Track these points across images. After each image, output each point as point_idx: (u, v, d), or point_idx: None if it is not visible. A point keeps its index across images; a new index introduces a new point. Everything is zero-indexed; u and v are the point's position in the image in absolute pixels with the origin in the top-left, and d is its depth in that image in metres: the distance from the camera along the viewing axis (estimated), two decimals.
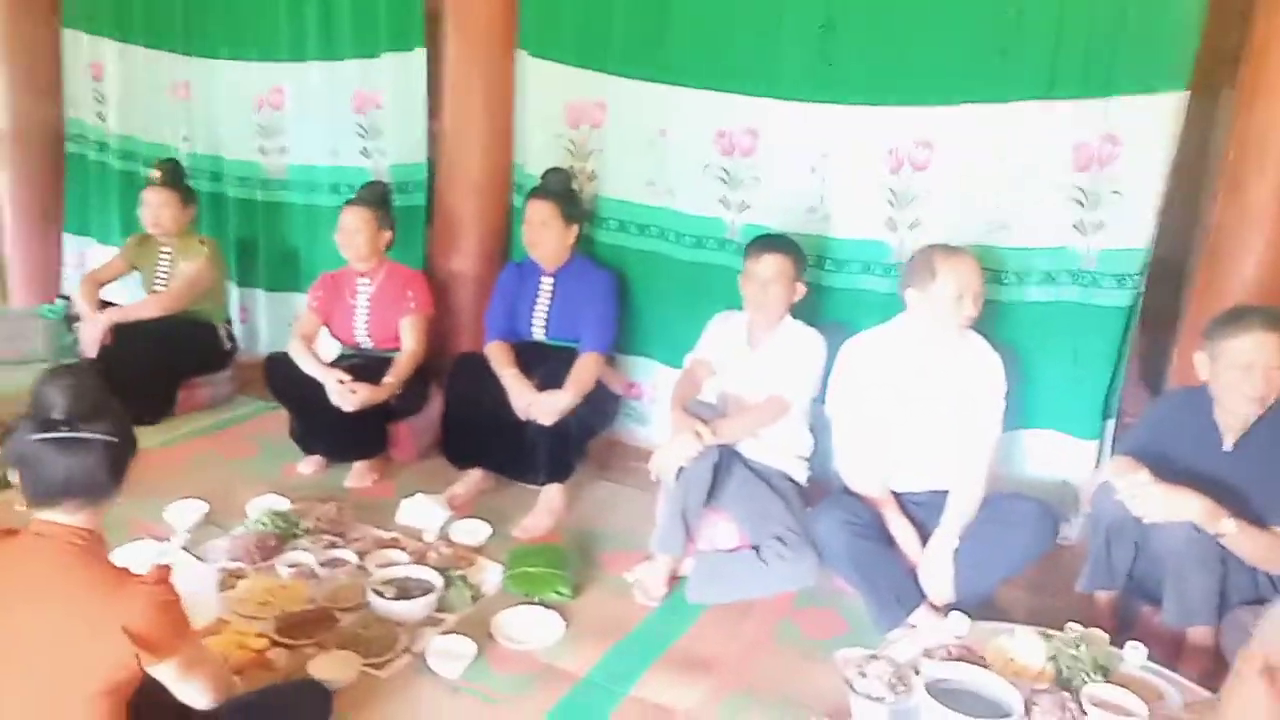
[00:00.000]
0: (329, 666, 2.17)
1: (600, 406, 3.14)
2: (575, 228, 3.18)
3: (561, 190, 3.17)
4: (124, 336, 3.65)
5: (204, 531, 2.82)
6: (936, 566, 2.46)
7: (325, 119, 3.98)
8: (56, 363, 1.71)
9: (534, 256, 3.21)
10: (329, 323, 3.40)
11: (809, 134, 3.00)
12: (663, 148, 3.25)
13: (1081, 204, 2.69)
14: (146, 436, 3.36)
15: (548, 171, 3.25)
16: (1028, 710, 1.89)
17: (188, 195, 3.89)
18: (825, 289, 3.07)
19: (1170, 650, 2.25)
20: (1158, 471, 2.17)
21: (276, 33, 4.02)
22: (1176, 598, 2.20)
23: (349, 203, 3.35)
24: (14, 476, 1.60)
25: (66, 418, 1.57)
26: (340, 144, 3.96)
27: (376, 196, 3.36)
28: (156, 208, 3.78)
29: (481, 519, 2.95)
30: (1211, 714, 1.83)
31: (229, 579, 2.53)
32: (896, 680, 1.98)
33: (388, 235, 3.35)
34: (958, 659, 2.08)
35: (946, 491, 2.56)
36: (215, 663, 1.81)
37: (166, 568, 1.65)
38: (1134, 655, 2.13)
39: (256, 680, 2.09)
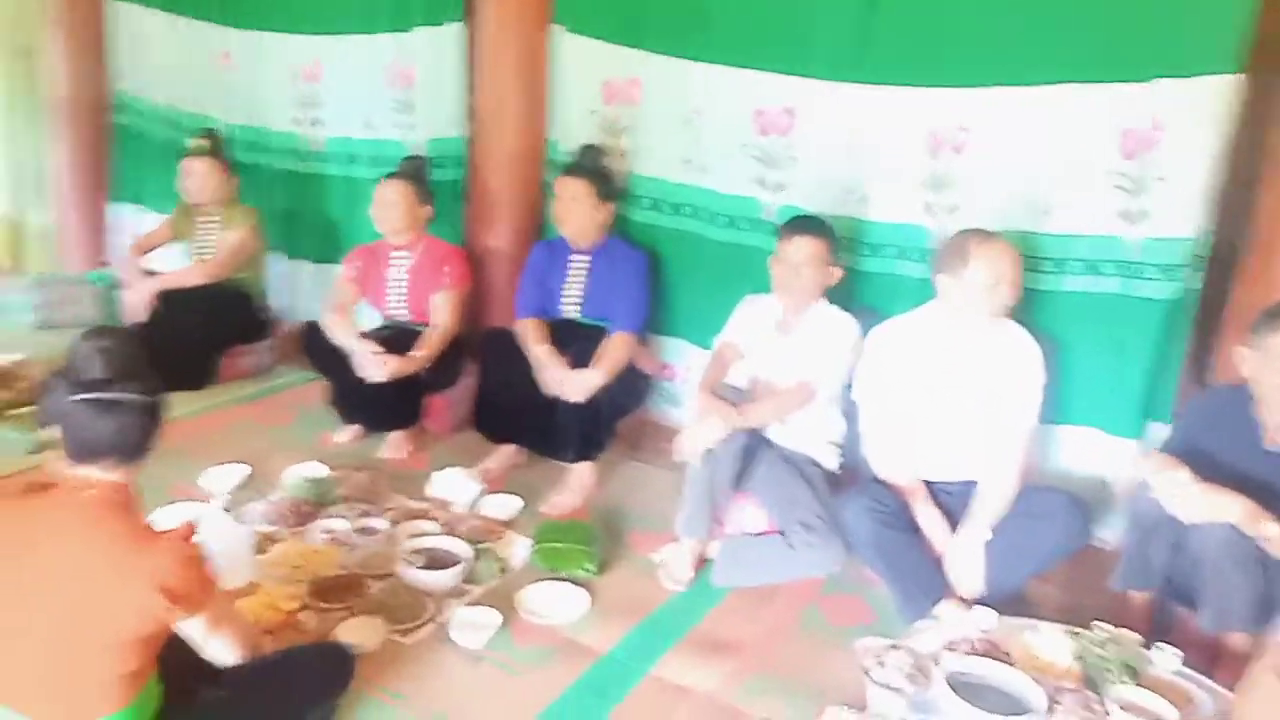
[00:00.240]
0: (356, 631, 2.22)
1: (631, 386, 3.14)
2: (608, 206, 3.17)
3: (593, 167, 3.17)
4: (168, 304, 3.73)
5: (242, 495, 2.88)
6: (964, 558, 2.44)
7: (361, 92, 3.99)
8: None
9: (562, 233, 3.22)
10: (364, 294, 3.44)
11: (847, 115, 2.95)
12: (698, 126, 3.22)
13: (1126, 190, 2.62)
14: (188, 402, 3.55)
15: (582, 148, 3.25)
16: (1050, 709, 1.88)
17: (228, 165, 3.94)
18: (861, 273, 3.03)
19: (1207, 656, 2.19)
20: (1198, 470, 2.11)
21: (316, 5, 4.04)
22: (1214, 602, 2.13)
23: (387, 176, 3.37)
24: (53, 432, 1.63)
25: (103, 379, 1.61)
26: (376, 117, 3.98)
27: (414, 171, 3.38)
28: (198, 177, 3.84)
29: (512, 494, 2.99)
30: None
31: (264, 542, 2.59)
32: (916, 671, 1.97)
33: (426, 210, 3.37)
34: (981, 653, 2.07)
35: (979, 483, 2.53)
36: (241, 620, 1.86)
37: (191, 525, 1.69)
38: (1164, 658, 2.09)
39: (286, 641, 2.15)
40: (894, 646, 2.06)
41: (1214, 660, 2.19)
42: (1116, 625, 2.20)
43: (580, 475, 3.05)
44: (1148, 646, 2.13)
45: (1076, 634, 2.13)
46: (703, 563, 2.69)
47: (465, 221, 3.74)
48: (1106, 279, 2.70)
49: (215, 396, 3.72)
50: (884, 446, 2.64)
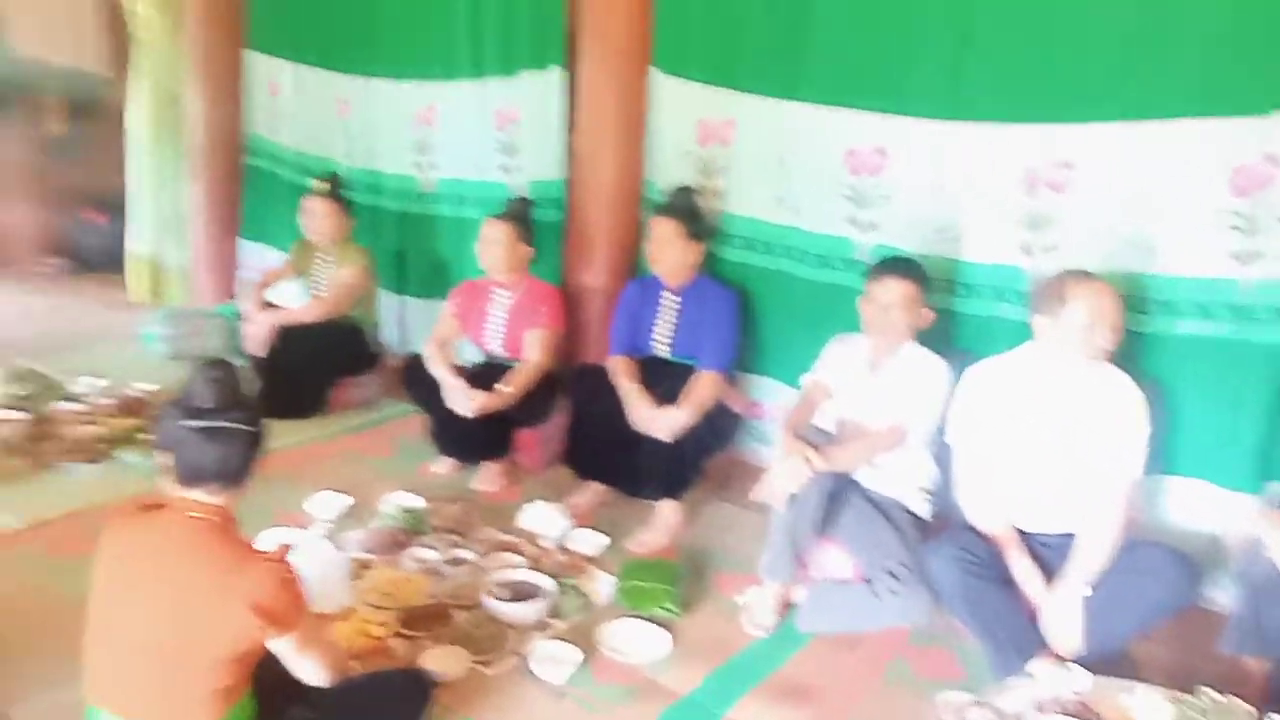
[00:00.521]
0: (441, 660, 2.29)
1: (719, 425, 3.14)
2: (699, 245, 3.20)
3: (685, 208, 3.21)
4: (284, 338, 3.93)
5: (341, 522, 3.01)
6: (1061, 614, 2.33)
7: (471, 135, 4.16)
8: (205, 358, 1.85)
9: (655, 272, 3.26)
10: (465, 329, 3.56)
11: (941, 153, 2.91)
12: (791, 166, 3.23)
13: (1239, 230, 2.49)
14: (299, 431, 3.73)
15: (675, 189, 3.30)
16: None
17: (346, 206, 4.16)
18: (956, 315, 2.96)
19: None
20: None
21: (430, 53, 4.24)
22: None
23: (491, 216, 3.50)
24: (162, 459, 1.74)
25: (211, 408, 1.71)
26: (483, 159, 4.14)
27: (518, 211, 3.50)
28: (316, 216, 4.06)
29: (599, 530, 3.02)
30: None
31: (359, 569, 2.69)
32: None
33: (527, 249, 3.48)
34: (1072, 714, 1.98)
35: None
36: (330, 643, 1.95)
37: (287, 548, 1.78)
38: None
39: (374, 666, 2.22)
40: (977, 703, 1.99)
41: None
42: (1227, 692, 2.07)
43: (666, 514, 3.07)
44: (1260, 717, 1.99)
45: (1179, 699, 2.01)
46: (787, 607, 2.66)
47: (563, 260, 3.84)
48: (1218, 323, 2.56)
49: (324, 426, 3.90)
50: (978, 493, 2.56)
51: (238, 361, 4.03)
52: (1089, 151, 2.70)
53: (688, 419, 2.96)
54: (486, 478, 3.39)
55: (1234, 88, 2.45)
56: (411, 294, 4.56)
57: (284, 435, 3.64)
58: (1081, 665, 2.25)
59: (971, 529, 2.54)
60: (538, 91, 3.84)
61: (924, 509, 2.75)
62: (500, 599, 2.53)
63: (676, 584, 2.68)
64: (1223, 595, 2.50)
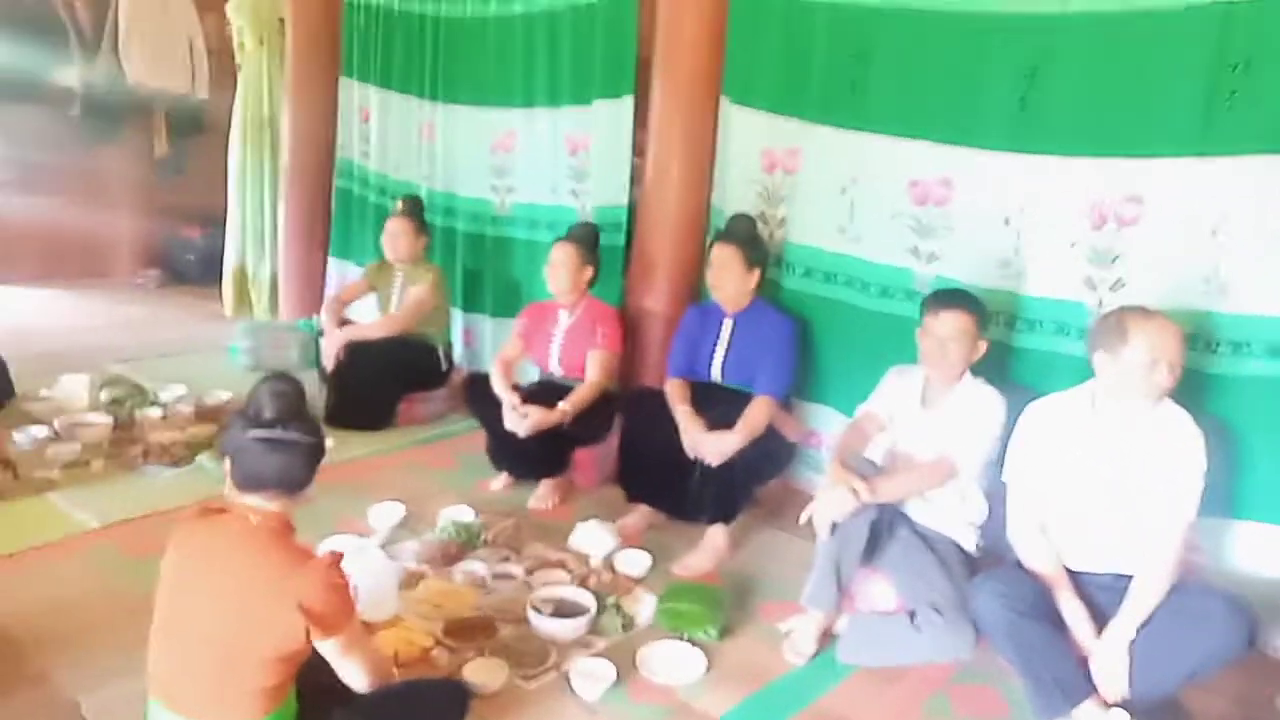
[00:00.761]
0: (482, 671, 2.33)
1: (771, 452, 3.14)
2: (757, 272, 3.22)
3: (744, 235, 3.23)
4: (356, 352, 4.08)
5: (399, 533, 3.10)
6: (1110, 658, 2.26)
7: (544, 161, 4.29)
8: (270, 371, 1.94)
9: (716, 299, 3.28)
10: (529, 349, 3.64)
11: (1005, 185, 2.89)
12: (854, 195, 3.24)
13: None
14: (367, 443, 3.87)
15: (734, 216, 3.33)
16: None
17: (422, 227, 4.30)
18: (1016, 349, 2.93)
19: None
20: None
21: (511, 82, 4.39)
22: None
23: (559, 239, 3.59)
24: (226, 465, 1.83)
25: (273, 420, 1.80)
26: (556, 184, 4.25)
27: (584, 235, 3.58)
28: (395, 236, 4.21)
29: (646, 551, 3.04)
30: None
31: (411, 579, 2.77)
32: None
33: (589, 271, 3.55)
34: None
35: (1131, 577, 2.35)
36: (375, 650, 2.01)
37: (339, 554, 1.85)
38: None
39: (417, 674, 2.28)
40: None
41: None
42: None
43: (714, 538, 3.07)
44: None
45: None
46: (829, 637, 2.64)
47: (626, 284, 3.90)
48: None
49: (391, 439, 4.02)
50: (1030, 531, 2.50)
51: (313, 374, 4.26)
52: (1159, 186, 2.65)
53: (738, 443, 2.97)
54: (541, 495, 3.45)
55: None
56: (487, 313, 4.69)
57: (352, 446, 3.81)
58: (1129, 711, 2.18)
59: (1019, 566, 2.48)
60: (609, 119, 3.94)
61: (972, 544, 2.69)
62: (543, 614, 2.58)
63: (718, 608, 2.68)
64: None
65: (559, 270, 3.51)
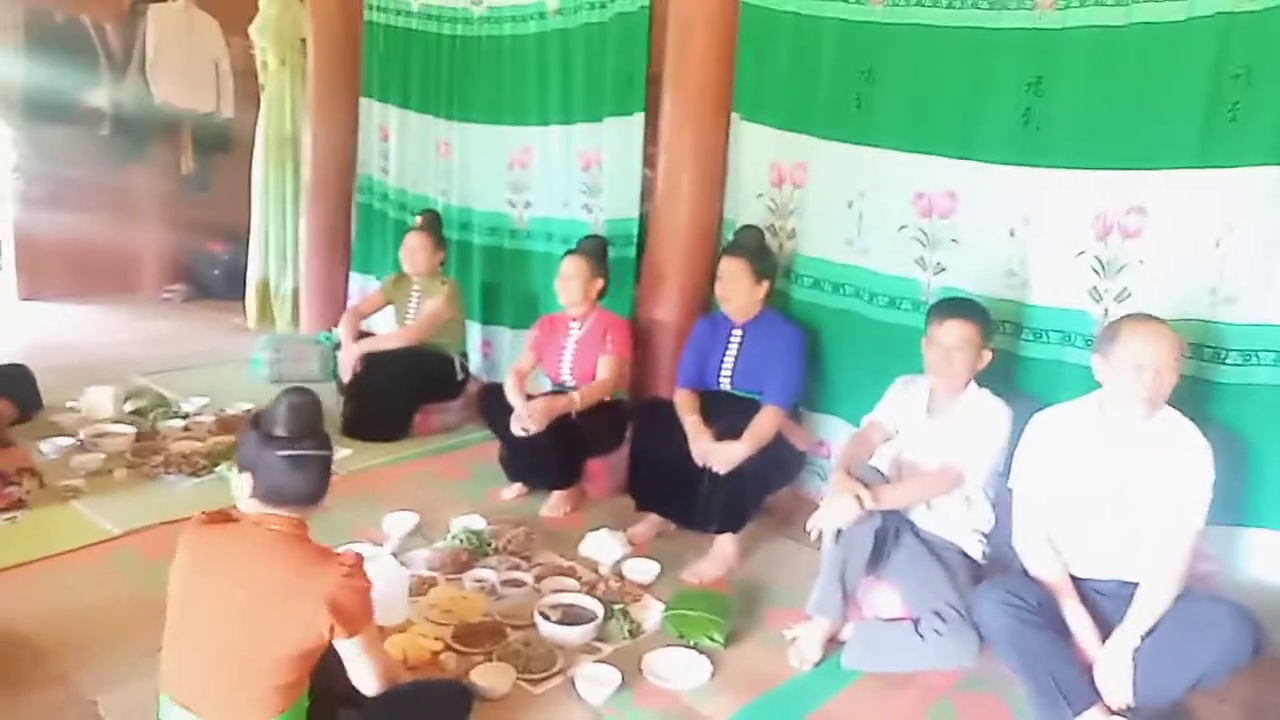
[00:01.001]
0: (490, 675, 2.37)
1: (780, 461, 3.17)
2: (765, 284, 3.25)
3: (752, 247, 3.27)
4: (373, 364, 4.14)
5: (411, 541, 3.15)
6: (1114, 666, 2.27)
7: (559, 176, 4.36)
8: (288, 386, 1.99)
9: (724, 310, 3.32)
10: (541, 361, 3.69)
11: (1010, 197, 2.91)
12: (861, 208, 3.27)
13: None
14: (383, 453, 3.93)
15: (741, 228, 3.37)
16: None
17: (439, 241, 4.37)
18: (1022, 359, 2.94)
19: None
20: None
21: (526, 101, 4.47)
22: None
23: (569, 252, 3.65)
24: (245, 479, 1.86)
25: (292, 435, 1.84)
26: (570, 199, 4.32)
27: (593, 247, 3.63)
28: (413, 250, 4.28)
29: (657, 559, 3.07)
30: None
31: (422, 585, 2.82)
32: None
33: (599, 283, 3.60)
34: None
35: (1136, 584, 2.35)
36: (387, 653, 2.05)
37: (360, 556, 1.89)
38: None
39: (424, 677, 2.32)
40: None
41: None
42: None
43: (723, 546, 3.10)
44: None
45: None
46: (835, 644, 2.65)
47: (637, 295, 3.95)
48: None
49: (407, 449, 4.08)
50: (1036, 539, 2.51)
51: (332, 386, 4.34)
52: (1162, 197, 2.66)
53: (746, 453, 2.99)
54: (553, 504, 3.49)
55: None
56: (506, 324, 4.75)
57: (369, 456, 3.88)
58: (1134, 719, 2.18)
59: (1024, 574, 2.49)
60: (620, 136, 4.00)
61: (978, 552, 2.71)
62: (551, 620, 2.61)
63: (725, 615, 2.70)
64: None
65: (569, 283, 3.56)
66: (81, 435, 3.79)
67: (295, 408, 1.86)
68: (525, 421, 3.32)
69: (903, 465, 2.77)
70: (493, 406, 3.59)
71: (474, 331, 4.82)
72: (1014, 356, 2.94)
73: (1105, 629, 2.34)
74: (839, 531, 2.53)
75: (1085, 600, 2.41)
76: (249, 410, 4.19)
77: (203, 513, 1.94)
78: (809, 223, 3.47)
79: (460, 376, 4.37)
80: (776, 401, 3.13)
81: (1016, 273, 2.94)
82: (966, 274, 3.03)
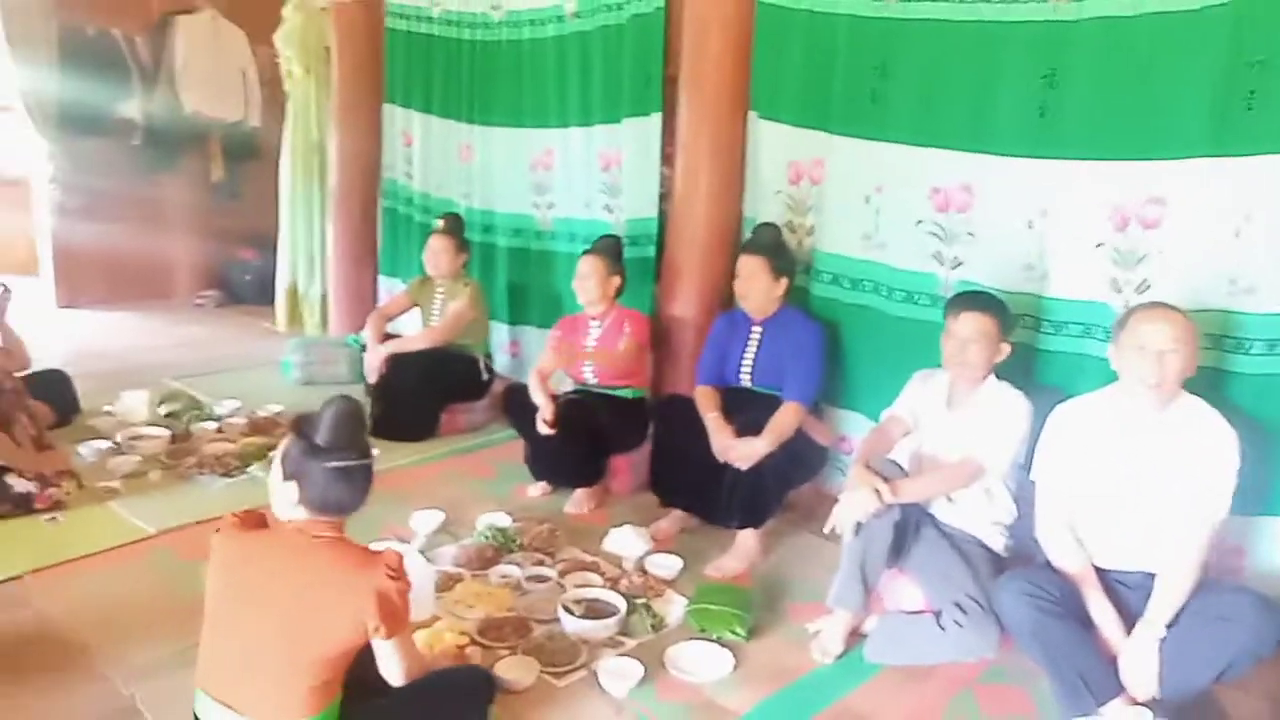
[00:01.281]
0: (514, 669, 2.42)
1: (801, 457, 3.19)
2: (784, 280, 3.27)
3: (770, 244, 3.29)
4: (398, 365, 4.21)
5: (438, 538, 3.21)
6: (1139, 657, 2.26)
7: (580, 177, 4.40)
8: (335, 395, 2.01)
9: (743, 308, 3.34)
10: (562, 360, 3.73)
11: (1027, 190, 2.91)
12: (878, 203, 3.28)
13: None
14: (411, 453, 4.00)
15: (758, 226, 3.40)
16: None
17: (462, 244, 4.44)
18: (1041, 351, 2.94)
19: None
20: None
21: (546, 103, 4.52)
22: None
23: (585, 252, 3.69)
24: (291, 486, 1.87)
25: (337, 445, 1.85)
26: (591, 199, 4.36)
27: (608, 247, 3.67)
28: (436, 253, 4.35)
29: (680, 555, 3.11)
30: None
31: (448, 581, 2.88)
32: None
33: (616, 281, 3.64)
34: None
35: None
36: (417, 650, 2.09)
37: (401, 555, 1.93)
38: None
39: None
40: None
41: None
42: None
43: (745, 541, 3.12)
44: None
45: None
46: (857, 637, 2.67)
47: (656, 294, 3.98)
48: None
49: (434, 448, 4.15)
50: (1058, 531, 2.51)
51: (360, 387, 4.41)
52: (1180, 187, 2.65)
53: (766, 449, 3.02)
54: (577, 501, 3.54)
55: None
56: (533, 324, 4.79)
57: (396, 456, 3.94)
58: (1158, 711, 2.18)
59: (1047, 565, 2.50)
60: (639, 136, 4.03)
61: (1000, 545, 2.71)
62: (574, 615, 2.65)
63: (747, 609, 2.73)
64: None
65: (586, 282, 3.60)
66: (118, 438, 3.89)
67: (341, 417, 1.87)
68: (543, 427, 3.37)
69: (923, 459, 2.78)
70: (517, 406, 3.64)
71: (501, 332, 4.88)
72: (1034, 349, 2.94)
73: (1129, 620, 2.34)
74: (858, 525, 2.54)
75: (1109, 592, 2.40)
76: (280, 412, 4.28)
77: (234, 515, 1.97)
78: (827, 219, 3.48)
79: (485, 376, 4.43)
80: (796, 397, 3.15)
81: (1035, 265, 2.94)
82: (984, 268, 3.03)
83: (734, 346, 3.38)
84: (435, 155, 5.26)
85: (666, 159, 3.96)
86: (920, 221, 3.16)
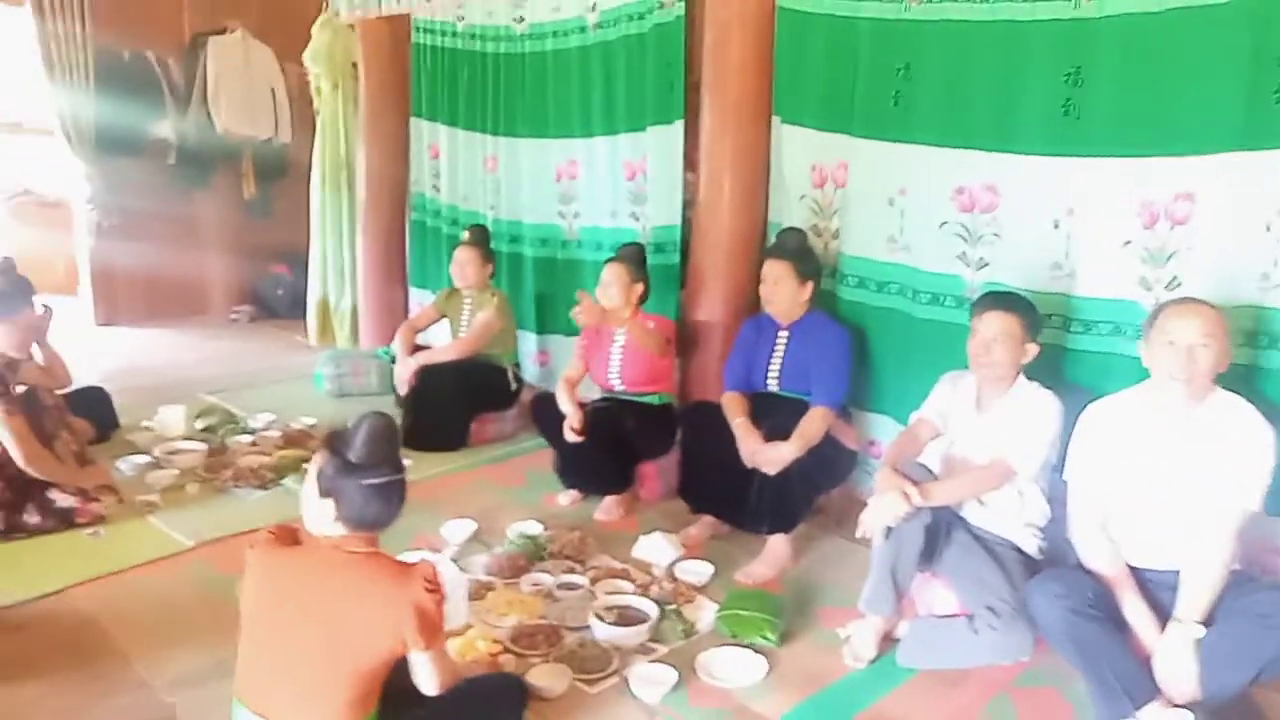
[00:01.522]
0: (546, 676, 2.42)
1: (829, 461, 3.18)
2: (810, 285, 3.27)
3: (795, 249, 3.29)
4: (428, 377, 4.26)
5: (470, 546, 3.24)
6: (1174, 658, 2.23)
7: (605, 186, 4.43)
8: (370, 410, 2.02)
9: (770, 312, 3.35)
10: (590, 368, 3.76)
11: (1052, 189, 2.89)
12: (902, 205, 3.27)
13: None
14: (442, 463, 4.04)
15: (783, 231, 3.40)
16: None
17: (488, 254, 4.48)
18: (1071, 351, 2.91)
19: None
20: None
21: (570, 112, 4.55)
22: None
23: (609, 259, 3.71)
24: (328, 503, 1.87)
25: (371, 462, 1.86)
26: (617, 208, 4.38)
27: (631, 254, 3.70)
28: (462, 264, 4.39)
29: (710, 560, 3.11)
30: None
31: (480, 590, 2.90)
32: None
33: (639, 288, 3.65)
34: None
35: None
36: (452, 661, 2.11)
37: (436, 568, 1.95)
38: None
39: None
40: None
41: None
42: None
43: (775, 547, 3.12)
44: None
45: None
46: (890, 641, 2.66)
47: (682, 300, 4.00)
48: None
49: (465, 458, 4.18)
50: (1092, 531, 2.48)
51: (390, 399, 4.46)
52: (1209, 182, 2.62)
53: (794, 453, 3.01)
54: (607, 508, 3.55)
55: None
56: (561, 332, 4.80)
57: (427, 466, 3.98)
58: (1198, 712, 2.15)
59: (1080, 566, 2.47)
60: (663, 144, 4.05)
61: (1033, 547, 2.69)
62: (606, 622, 2.66)
63: (778, 614, 2.72)
64: None
65: (610, 289, 3.62)
66: (156, 452, 3.96)
67: (374, 433, 1.88)
68: (571, 435, 3.39)
69: (953, 461, 2.77)
70: (545, 415, 3.67)
71: (529, 341, 4.91)
72: (1063, 349, 2.92)
73: (1164, 620, 2.30)
74: (888, 529, 2.53)
75: (1144, 592, 2.38)
76: (313, 425, 4.34)
77: (269, 530, 2.00)
78: (851, 222, 3.48)
79: (514, 386, 4.46)
80: (824, 402, 3.15)
81: (1062, 265, 2.92)
82: (1010, 268, 3.02)
83: (761, 351, 3.38)
84: (462, 168, 5.32)
85: (690, 165, 3.98)
86: (945, 223, 3.15)
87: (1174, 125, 2.66)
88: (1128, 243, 2.77)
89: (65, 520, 3.26)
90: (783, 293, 3.27)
